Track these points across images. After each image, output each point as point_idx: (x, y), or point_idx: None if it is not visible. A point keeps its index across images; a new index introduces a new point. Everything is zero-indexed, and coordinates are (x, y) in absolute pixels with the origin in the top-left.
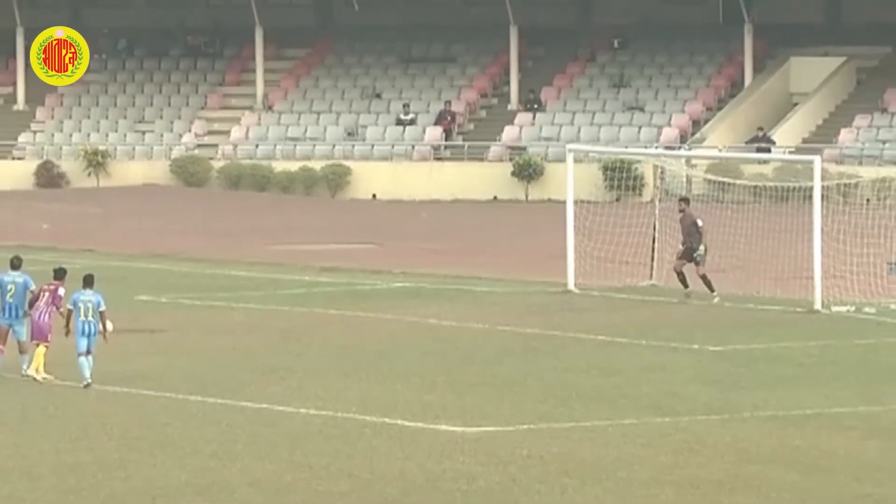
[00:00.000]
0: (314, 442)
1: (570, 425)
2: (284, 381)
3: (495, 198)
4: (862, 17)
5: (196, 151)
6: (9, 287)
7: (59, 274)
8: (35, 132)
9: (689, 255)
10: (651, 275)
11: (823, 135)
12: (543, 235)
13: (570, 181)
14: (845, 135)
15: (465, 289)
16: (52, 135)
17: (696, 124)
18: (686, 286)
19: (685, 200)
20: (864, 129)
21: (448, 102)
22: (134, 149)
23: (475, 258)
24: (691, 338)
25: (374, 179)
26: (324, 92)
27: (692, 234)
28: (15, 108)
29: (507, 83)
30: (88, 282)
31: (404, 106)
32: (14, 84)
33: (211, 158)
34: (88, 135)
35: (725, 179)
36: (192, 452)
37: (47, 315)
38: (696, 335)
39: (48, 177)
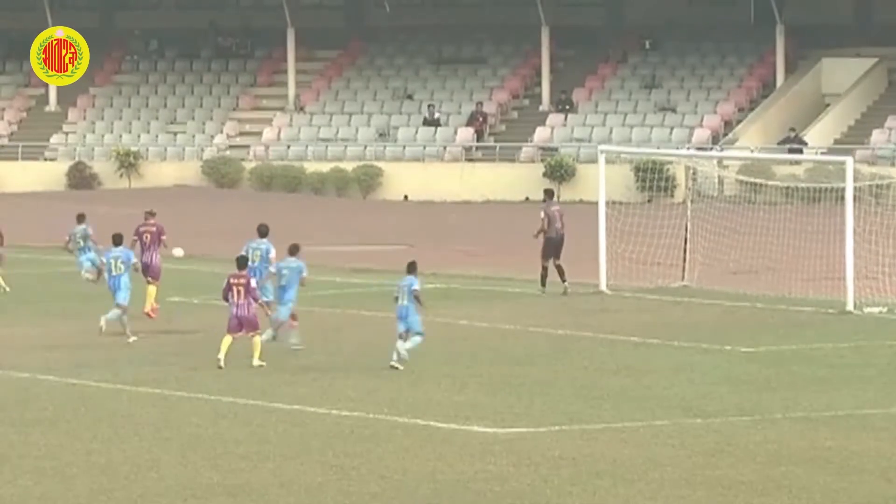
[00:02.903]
0: (345, 443)
1: (601, 426)
2: (316, 382)
3: (527, 199)
4: (894, 18)
5: (228, 152)
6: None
7: (240, 263)
8: (67, 133)
9: None
10: (683, 276)
11: (855, 135)
12: (575, 236)
13: (602, 182)
14: (877, 135)
15: (496, 290)
16: (84, 136)
17: (728, 125)
18: None
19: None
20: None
21: (479, 103)
22: (166, 150)
23: (506, 259)
24: (723, 339)
25: (406, 180)
26: (355, 93)
27: None
28: (47, 109)
29: (539, 84)
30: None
31: (429, 106)
32: (46, 85)
33: (242, 160)
34: (120, 136)
35: (757, 180)
36: (223, 453)
37: (247, 308)
38: (727, 336)
39: (80, 178)
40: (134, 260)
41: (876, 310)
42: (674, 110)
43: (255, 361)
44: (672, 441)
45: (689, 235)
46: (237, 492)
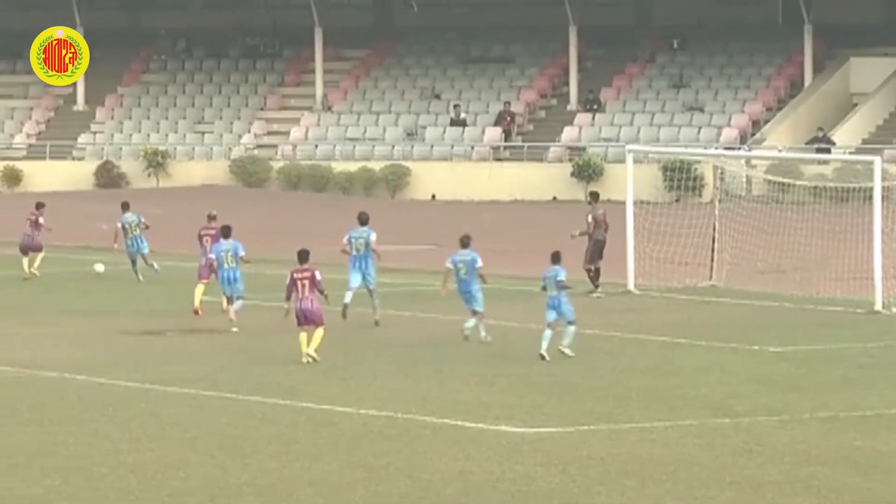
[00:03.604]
0: (374, 442)
1: (629, 426)
2: (344, 382)
3: (554, 198)
4: None
5: (255, 152)
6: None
7: (302, 257)
8: (95, 133)
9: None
10: (711, 275)
11: (884, 135)
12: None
13: (630, 182)
14: None
15: (524, 289)
16: (112, 135)
17: (756, 125)
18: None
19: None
20: None
21: (507, 103)
22: (193, 149)
23: (534, 259)
24: (751, 338)
25: (434, 180)
26: (383, 92)
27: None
28: (75, 108)
29: (567, 84)
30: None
31: (455, 106)
32: (74, 85)
33: (270, 159)
34: (148, 135)
35: (785, 180)
36: (251, 453)
37: (311, 301)
38: (755, 336)
39: (108, 177)
40: (242, 253)
41: None
42: (702, 110)
43: (311, 351)
44: (700, 441)
45: (716, 235)
46: (266, 491)
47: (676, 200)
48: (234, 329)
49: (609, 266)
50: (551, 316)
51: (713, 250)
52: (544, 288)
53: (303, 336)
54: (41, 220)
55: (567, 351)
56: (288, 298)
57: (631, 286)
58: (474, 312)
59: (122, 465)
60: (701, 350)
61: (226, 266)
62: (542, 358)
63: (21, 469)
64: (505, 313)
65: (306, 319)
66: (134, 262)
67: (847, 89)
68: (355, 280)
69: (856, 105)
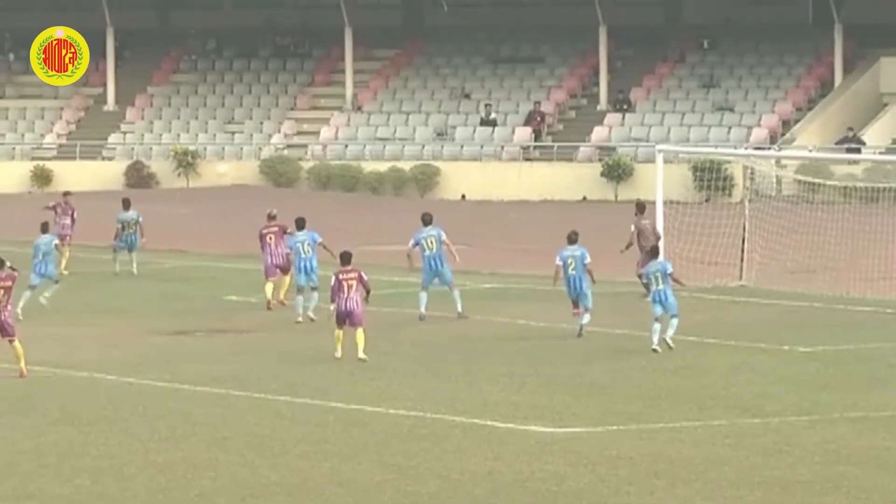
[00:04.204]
0: (403, 442)
1: (658, 426)
2: (374, 382)
3: (584, 198)
4: None
5: (285, 152)
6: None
7: (346, 258)
8: (125, 133)
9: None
10: (741, 275)
11: None
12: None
13: (660, 182)
14: None
15: (553, 289)
16: (142, 135)
17: (786, 125)
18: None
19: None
20: None
21: (537, 103)
22: (223, 149)
23: None
24: (781, 338)
25: (463, 180)
26: (413, 92)
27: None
28: (105, 108)
29: (597, 84)
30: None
31: (486, 105)
32: (104, 85)
33: (300, 159)
34: (178, 135)
35: (815, 180)
36: (281, 452)
37: (356, 301)
38: (785, 336)
39: (138, 177)
40: (319, 239)
41: None
42: (732, 110)
43: (360, 354)
44: (730, 441)
45: (746, 235)
46: (295, 491)
47: (706, 200)
48: (314, 317)
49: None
50: (658, 310)
51: (743, 250)
52: (646, 284)
53: (338, 334)
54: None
55: (671, 342)
56: (333, 300)
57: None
58: (584, 309)
59: (152, 465)
60: (730, 350)
61: (303, 255)
62: (655, 352)
63: (52, 469)
64: (534, 313)
65: (349, 319)
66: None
67: (877, 89)
68: (427, 280)
69: (886, 105)
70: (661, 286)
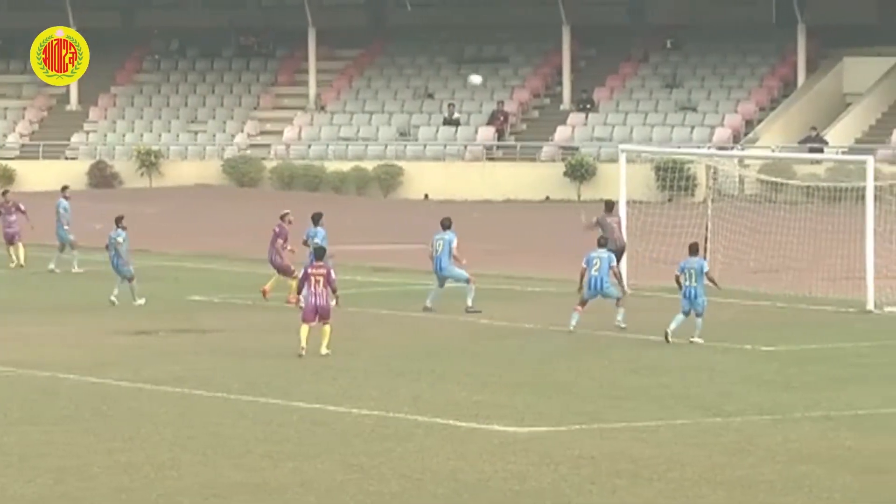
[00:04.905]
0: (366, 442)
1: (621, 425)
2: (336, 381)
3: (547, 198)
4: None
5: (248, 152)
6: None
7: (319, 253)
8: (88, 132)
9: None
10: None
11: (876, 135)
12: (595, 236)
13: (623, 181)
14: None
15: (516, 289)
16: (105, 135)
17: (749, 124)
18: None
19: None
20: None
21: (500, 102)
22: (187, 149)
23: (527, 258)
24: (743, 338)
25: (427, 180)
26: (376, 92)
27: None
28: (68, 108)
29: (560, 83)
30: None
31: (449, 105)
32: (67, 85)
33: (263, 159)
34: (141, 135)
35: (778, 180)
36: (243, 452)
37: (324, 297)
38: (747, 335)
39: (101, 177)
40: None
41: None
42: (695, 109)
43: (323, 350)
44: (692, 440)
45: (709, 234)
46: (258, 491)
47: (669, 200)
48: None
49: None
50: (686, 305)
51: (706, 250)
52: (677, 279)
53: (304, 330)
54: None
55: (699, 340)
56: (299, 292)
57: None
58: (616, 301)
59: (115, 465)
60: (693, 349)
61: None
62: (666, 337)
63: (14, 469)
64: (497, 313)
65: (315, 314)
66: (61, 250)
67: (840, 89)
68: (437, 278)
69: (849, 105)
70: (693, 283)
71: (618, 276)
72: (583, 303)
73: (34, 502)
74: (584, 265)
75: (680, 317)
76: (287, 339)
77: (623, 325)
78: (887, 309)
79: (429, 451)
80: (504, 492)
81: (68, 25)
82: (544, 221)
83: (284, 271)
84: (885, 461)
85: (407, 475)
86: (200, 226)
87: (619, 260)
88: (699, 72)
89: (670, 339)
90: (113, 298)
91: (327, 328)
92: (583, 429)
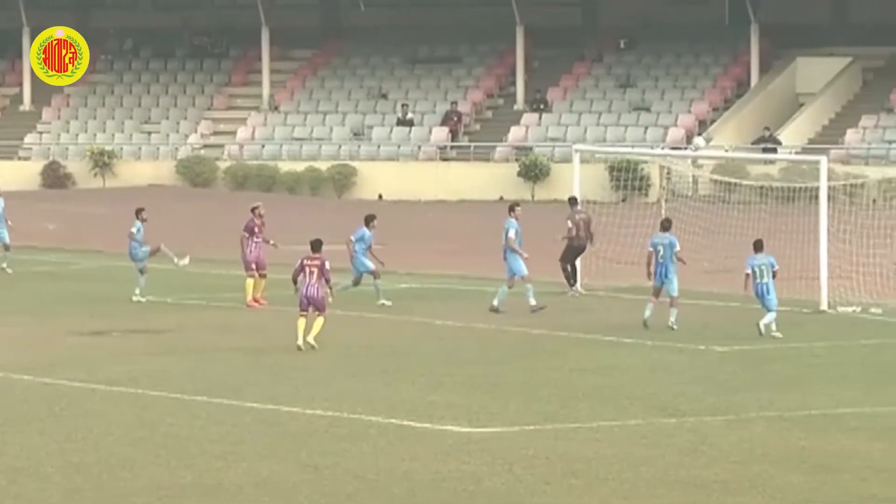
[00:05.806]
0: (320, 442)
1: (575, 426)
2: (291, 382)
3: (501, 198)
4: (868, 18)
5: (202, 152)
6: (658, 248)
7: (316, 246)
8: (41, 133)
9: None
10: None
11: (829, 135)
12: (549, 236)
13: (577, 181)
14: (851, 135)
15: (471, 289)
16: (59, 135)
17: (703, 124)
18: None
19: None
20: (870, 129)
21: (454, 103)
22: (140, 149)
23: (481, 259)
24: (697, 338)
25: (380, 180)
26: (330, 92)
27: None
28: (21, 108)
29: (513, 84)
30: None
31: (403, 106)
32: (20, 85)
33: (217, 159)
34: (94, 135)
35: (731, 180)
36: (197, 453)
37: (318, 288)
38: (702, 336)
39: (54, 177)
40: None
41: (850, 309)
42: (648, 110)
43: (310, 338)
44: (646, 440)
45: None
46: (212, 491)
47: (623, 200)
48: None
49: (556, 266)
50: (763, 302)
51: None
52: (748, 275)
53: (301, 322)
54: None
55: (777, 334)
56: (294, 281)
57: (578, 286)
58: (669, 298)
59: (69, 465)
60: (647, 350)
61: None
62: (760, 333)
63: None
64: (452, 313)
65: (310, 304)
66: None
67: (793, 89)
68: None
69: (802, 105)
70: (765, 279)
71: (682, 260)
72: (656, 292)
73: None
74: (650, 249)
75: (771, 315)
76: (242, 341)
77: (675, 328)
78: (841, 309)
79: (383, 452)
80: (458, 492)
81: (21, 25)
82: (498, 222)
83: (245, 265)
84: (838, 461)
85: (361, 475)
86: (154, 226)
87: (575, 259)
88: (653, 72)
89: (763, 332)
90: (139, 298)
91: (320, 319)
92: (537, 429)
